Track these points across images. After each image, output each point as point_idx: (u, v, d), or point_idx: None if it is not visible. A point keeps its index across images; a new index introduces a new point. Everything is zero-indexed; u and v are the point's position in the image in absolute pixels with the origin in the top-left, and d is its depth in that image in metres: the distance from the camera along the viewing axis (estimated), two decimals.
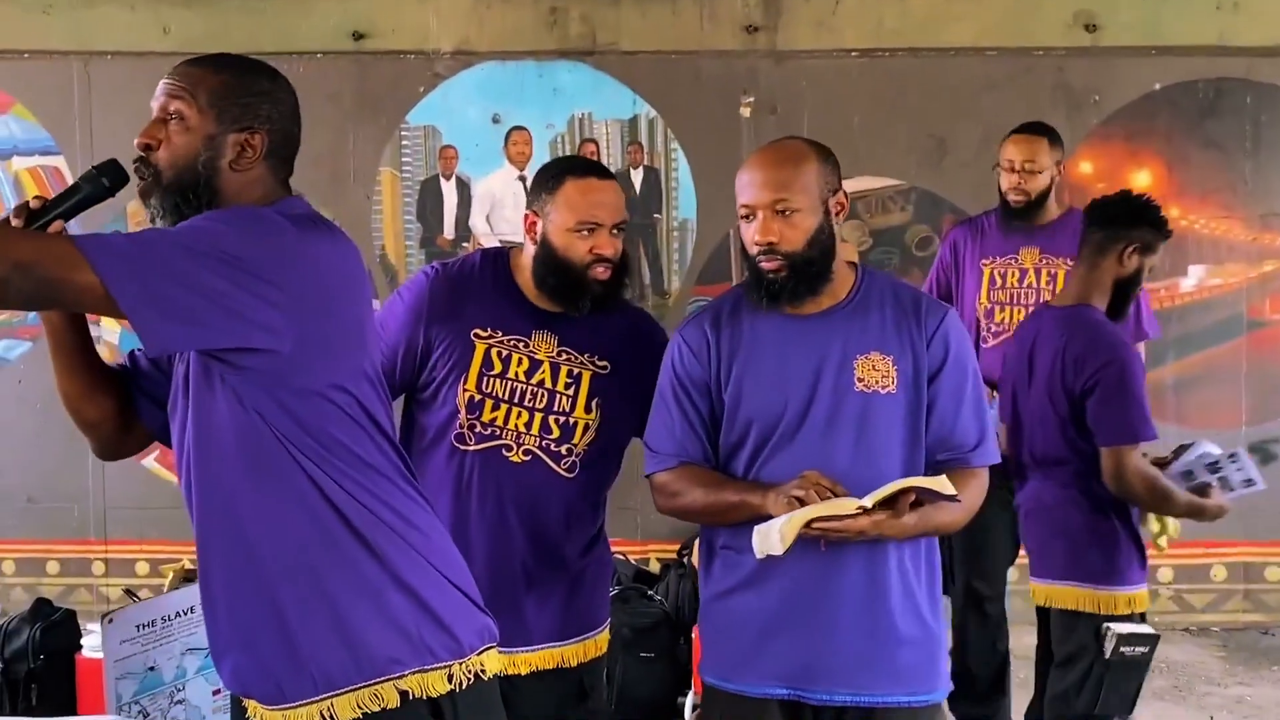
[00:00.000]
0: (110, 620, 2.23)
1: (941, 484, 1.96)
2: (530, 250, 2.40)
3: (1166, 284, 5.19)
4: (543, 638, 2.40)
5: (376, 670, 1.69)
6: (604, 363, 2.42)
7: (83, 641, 3.66)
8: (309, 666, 1.69)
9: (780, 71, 5.23)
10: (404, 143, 5.29)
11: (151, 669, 2.34)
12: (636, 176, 5.29)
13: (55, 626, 3.58)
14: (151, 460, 5.32)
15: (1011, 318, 3.57)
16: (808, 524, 1.94)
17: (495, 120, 5.28)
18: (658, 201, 5.28)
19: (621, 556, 4.46)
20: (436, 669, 1.72)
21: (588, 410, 2.40)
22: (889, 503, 1.96)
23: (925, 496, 1.98)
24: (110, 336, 5.35)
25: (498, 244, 5.29)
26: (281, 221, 1.70)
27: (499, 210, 5.29)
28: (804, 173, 2.12)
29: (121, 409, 1.89)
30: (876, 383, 2.11)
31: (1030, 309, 3.48)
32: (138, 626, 2.29)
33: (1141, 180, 5.20)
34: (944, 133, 5.17)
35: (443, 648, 1.73)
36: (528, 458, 2.37)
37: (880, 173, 5.25)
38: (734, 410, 2.16)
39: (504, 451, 2.36)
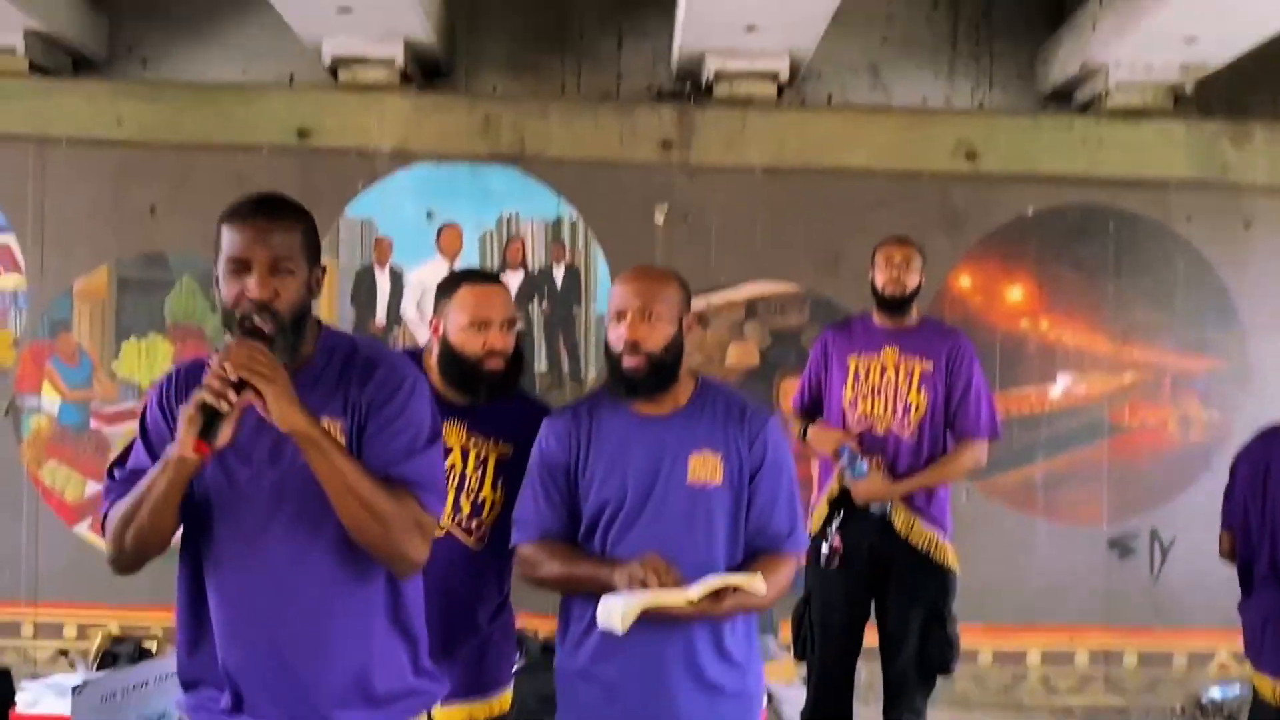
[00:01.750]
0: (79, 693, 2.46)
1: (755, 583, 2.34)
2: (435, 350, 2.75)
3: (1035, 390, 5.68)
4: (453, 694, 2.62)
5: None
6: (507, 446, 2.74)
7: (16, 699, 3.88)
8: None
9: (692, 184, 5.66)
10: (342, 233, 5.62)
11: None
12: (558, 272, 5.67)
13: None
14: (84, 528, 5.55)
15: (872, 409, 3.90)
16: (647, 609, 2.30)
17: (429, 215, 5.63)
18: (578, 296, 5.67)
19: (532, 632, 4.77)
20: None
21: (494, 489, 2.72)
22: (714, 593, 2.33)
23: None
24: (50, 408, 5.61)
25: (427, 330, 5.65)
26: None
27: (429, 298, 5.60)
28: (667, 290, 2.52)
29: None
30: (706, 476, 2.47)
31: (888, 402, 3.88)
32: (102, 698, 2.53)
33: (1014, 296, 5.71)
34: (839, 245, 5.60)
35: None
36: (442, 533, 2.66)
37: (780, 278, 5.68)
38: (588, 494, 2.51)
39: None
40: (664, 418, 2.53)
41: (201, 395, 1.84)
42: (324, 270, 2.08)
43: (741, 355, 5.73)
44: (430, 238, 5.63)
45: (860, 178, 5.67)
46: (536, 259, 5.65)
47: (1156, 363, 5.71)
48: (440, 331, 2.74)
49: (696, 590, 2.31)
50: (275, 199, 2.02)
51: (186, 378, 2.05)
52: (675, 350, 2.50)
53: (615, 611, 2.29)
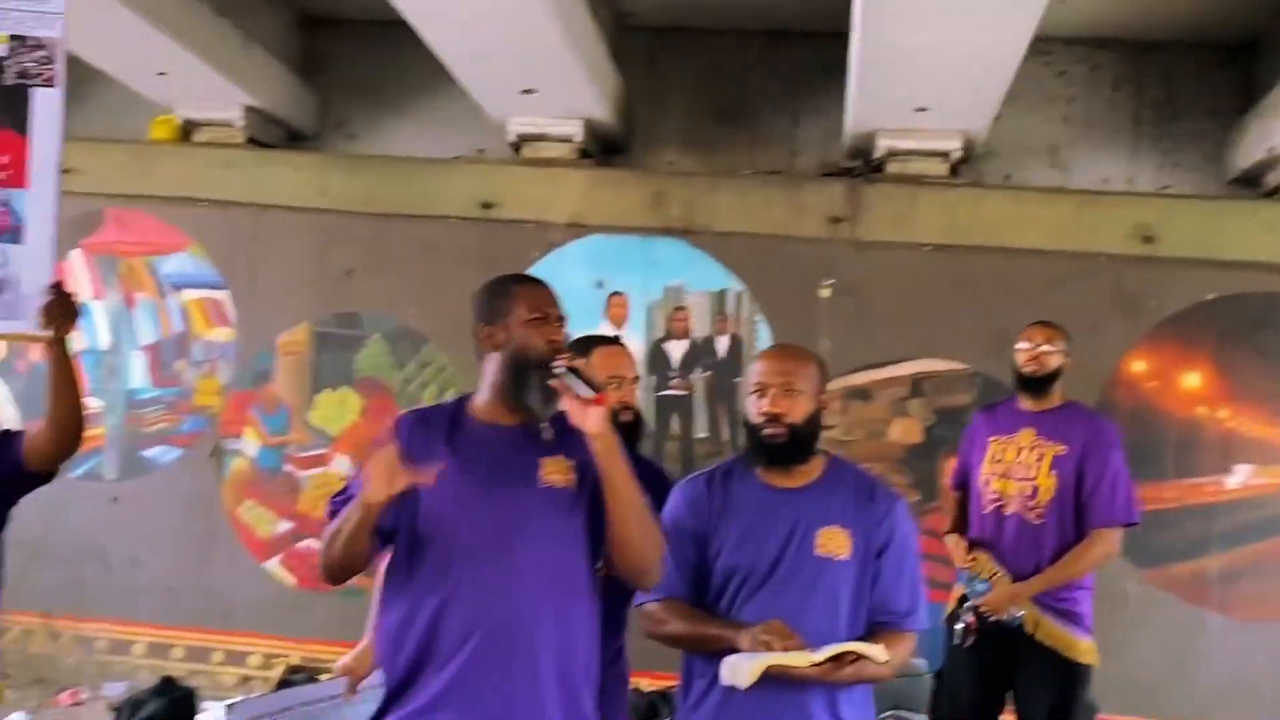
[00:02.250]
0: (232, 710, 2.72)
1: (877, 652, 2.42)
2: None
3: (1211, 480, 5.48)
4: None
5: None
6: None
7: (198, 717, 4.23)
8: None
9: (859, 259, 5.73)
10: None
11: None
12: (722, 342, 5.82)
13: (177, 702, 4.16)
14: (273, 563, 5.96)
15: (1005, 489, 3.93)
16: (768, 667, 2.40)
17: (599, 285, 5.88)
18: (739, 366, 5.79)
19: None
20: None
21: None
22: (835, 657, 2.41)
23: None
24: (250, 451, 6.06)
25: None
26: None
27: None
28: (808, 368, 2.65)
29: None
30: (833, 550, 2.56)
31: (1018, 483, 3.89)
32: (254, 718, 2.77)
33: (1192, 382, 5.54)
34: (1008, 324, 5.43)
35: None
36: None
37: (947, 356, 5.67)
38: (717, 559, 2.62)
39: None
40: (796, 490, 2.63)
41: (569, 364, 2.32)
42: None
43: (905, 432, 5.73)
44: (599, 306, 5.87)
45: (1032, 257, 5.63)
46: (701, 328, 5.82)
47: None
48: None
49: (821, 654, 2.41)
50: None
51: (413, 426, 2.43)
52: (814, 424, 2.62)
53: (742, 669, 2.41)
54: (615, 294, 5.88)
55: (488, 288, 2.52)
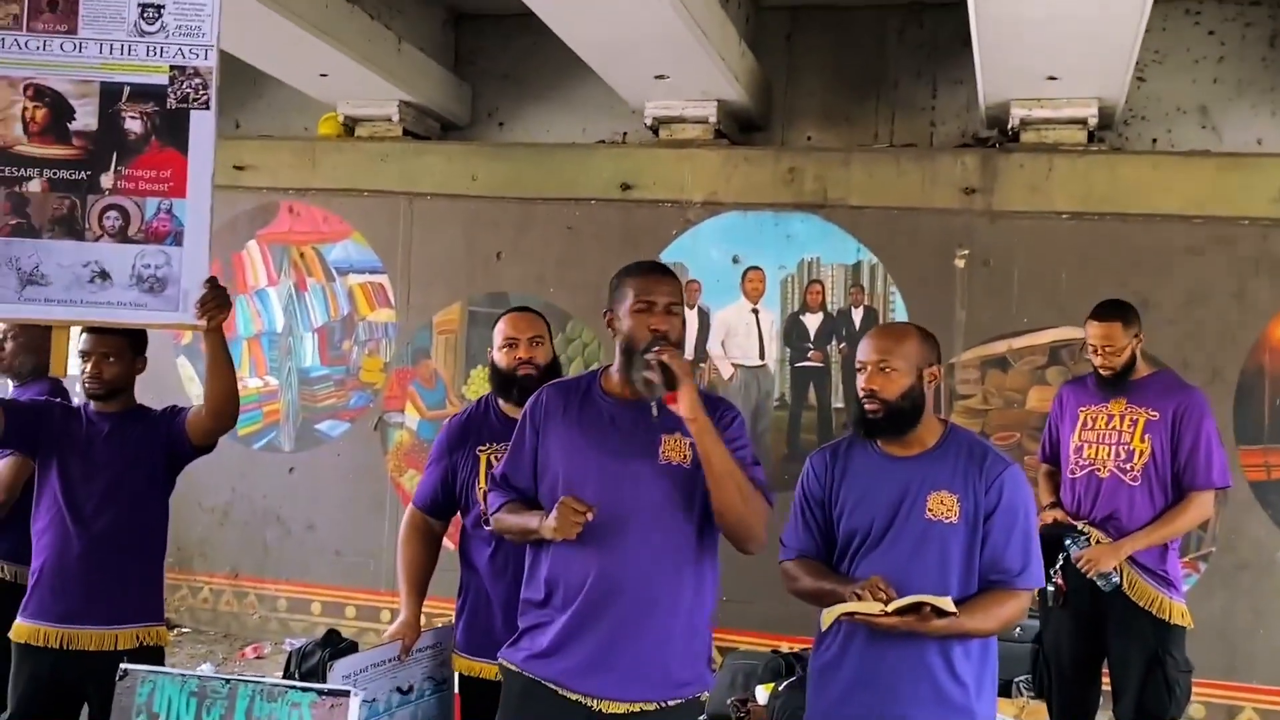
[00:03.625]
0: (331, 666, 3.03)
1: (945, 602, 2.55)
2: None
3: None
4: None
5: None
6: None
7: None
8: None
9: (994, 229, 5.75)
10: None
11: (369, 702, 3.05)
12: (857, 315, 5.91)
13: (341, 653, 4.53)
14: None
15: (1096, 454, 4.00)
16: (850, 615, 2.60)
17: (735, 260, 6.05)
18: None
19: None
20: None
21: None
22: (913, 610, 2.56)
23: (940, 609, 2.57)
24: (411, 424, 6.45)
25: (730, 366, 6.07)
26: None
27: (732, 337, 6.05)
28: (905, 345, 2.78)
29: None
30: (943, 514, 2.71)
31: (1112, 448, 3.95)
32: (345, 676, 3.04)
33: None
34: (1147, 292, 5.47)
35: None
36: None
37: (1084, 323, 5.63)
38: (838, 522, 2.82)
39: None
40: (910, 458, 2.79)
41: (657, 357, 2.54)
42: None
43: (1043, 399, 5.71)
44: (735, 281, 6.04)
45: (1172, 223, 5.55)
46: (835, 301, 5.93)
47: None
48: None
49: (892, 605, 2.57)
50: (660, 265, 2.86)
51: (553, 397, 2.79)
52: (912, 398, 2.75)
53: (824, 615, 2.66)
54: (752, 269, 6.04)
55: (614, 275, 2.79)
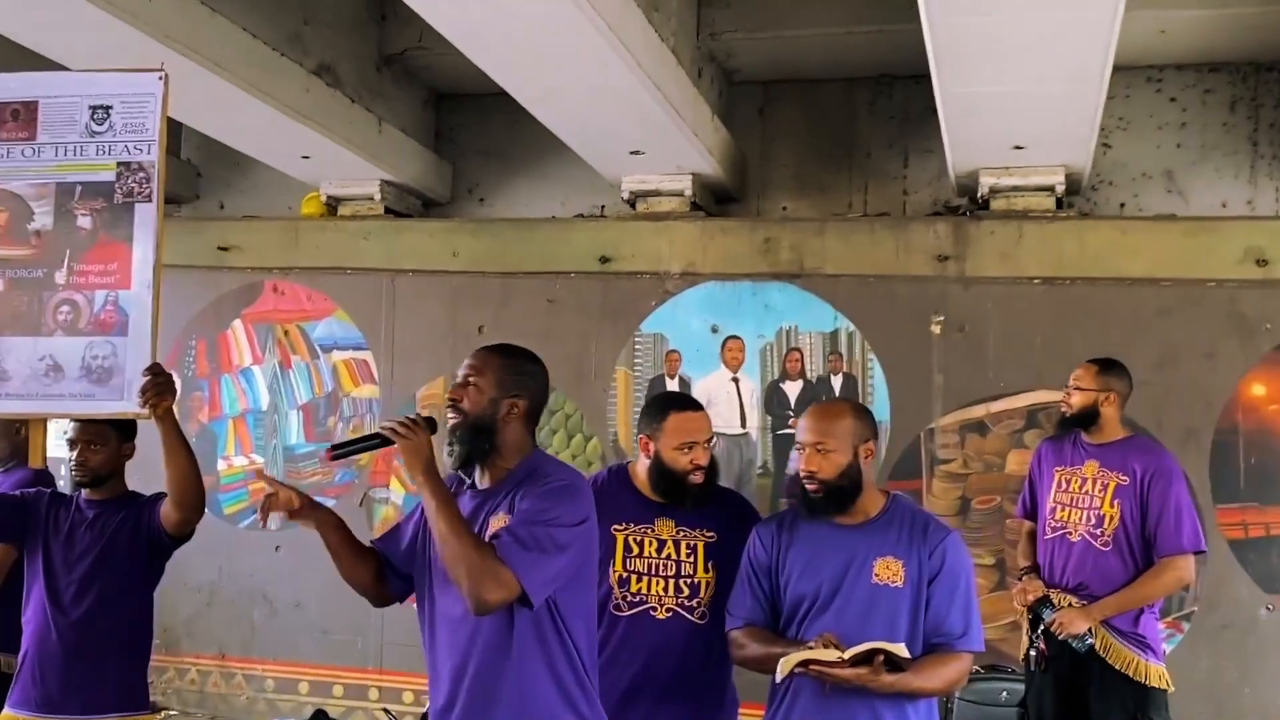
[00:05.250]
0: None
1: (899, 649, 2.64)
2: (646, 463, 3.21)
3: None
4: None
5: None
6: (712, 534, 3.19)
7: None
8: None
9: (968, 295, 5.84)
10: (637, 347, 6.23)
11: None
12: (836, 382, 5.99)
13: None
14: None
15: (1069, 517, 4.10)
16: (805, 665, 2.66)
17: (714, 330, 6.12)
18: None
19: None
20: None
21: (706, 570, 3.18)
22: (866, 659, 2.63)
23: (893, 657, 2.65)
24: (396, 499, 6.48)
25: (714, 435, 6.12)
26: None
27: (713, 406, 6.07)
28: (840, 425, 2.90)
29: (377, 577, 2.82)
30: (889, 578, 2.81)
31: (1083, 512, 4.04)
32: None
33: None
34: (1120, 354, 5.40)
35: None
36: (669, 614, 3.15)
37: (1060, 387, 5.65)
38: (786, 588, 2.92)
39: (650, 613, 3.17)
40: (855, 526, 2.91)
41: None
42: (522, 404, 2.68)
43: (1022, 463, 5.76)
44: (715, 350, 6.12)
45: (1142, 286, 5.65)
46: (815, 368, 6.00)
47: None
48: (651, 450, 3.17)
49: (849, 652, 2.66)
50: (493, 347, 2.75)
51: None
52: (850, 476, 2.87)
53: (782, 665, 2.72)
54: (731, 338, 6.12)
55: None
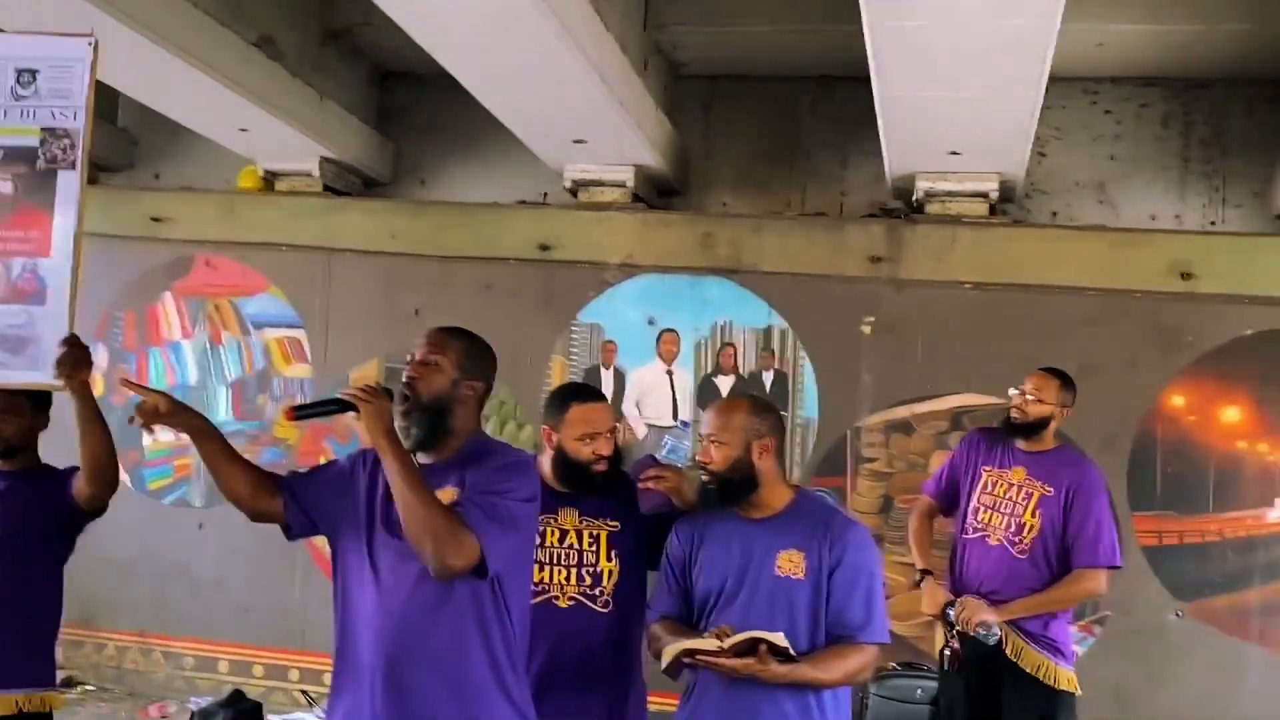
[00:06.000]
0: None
1: (776, 637, 2.68)
2: (548, 453, 3.22)
3: (1252, 513, 5.52)
4: None
5: None
6: (615, 523, 3.19)
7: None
8: None
9: (899, 297, 5.92)
10: (574, 336, 6.24)
11: None
12: (767, 378, 6.04)
13: (244, 714, 4.50)
14: None
15: (990, 521, 4.11)
16: (691, 655, 2.71)
17: (650, 322, 6.15)
18: (784, 402, 5.99)
19: None
20: None
21: (609, 560, 3.17)
22: (750, 649, 2.67)
23: (778, 648, 2.68)
24: None
25: (645, 427, 6.15)
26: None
27: (647, 398, 6.14)
28: (733, 419, 2.94)
29: (256, 491, 2.69)
30: (790, 571, 2.85)
31: (1005, 518, 4.06)
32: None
33: (1232, 416, 5.60)
34: (1045, 359, 5.47)
35: None
36: (573, 603, 3.14)
37: (985, 391, 5.77)
38: (697, 582, 2.96)
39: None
40: (762, 521, 2.95)
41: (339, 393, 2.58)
42: (479, 387, 2.72)
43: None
44: (651, 342, 6.14)
45: (1069, 294, 5.75)
46: (747, 364, 6.05)
47: None
48: (553, 441, 3.19)
49: (728, 641, 2.70)
50: (450, 329, 2.77)
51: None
52: (741, 470, 2.91)
53: (665, 652, 2.78)
54: (666, 331, 6.15)
55: None
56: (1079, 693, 3.99)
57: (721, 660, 2.70)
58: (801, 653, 2.75)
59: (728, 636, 2.72)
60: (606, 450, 3.16)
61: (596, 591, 3.16)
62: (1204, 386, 5.64)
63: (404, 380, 2.66)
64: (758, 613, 2.83)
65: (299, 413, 2.67)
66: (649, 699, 3.35)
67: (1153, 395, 5.65)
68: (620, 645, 3.18)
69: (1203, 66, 6.08)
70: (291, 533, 2.73)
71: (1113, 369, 5.66)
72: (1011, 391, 4.23)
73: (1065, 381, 4.17)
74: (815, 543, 2.86)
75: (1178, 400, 5.66)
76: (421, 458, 2.66)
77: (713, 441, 2.92)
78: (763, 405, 3.04)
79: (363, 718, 2.56)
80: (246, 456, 2.80)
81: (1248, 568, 5.52)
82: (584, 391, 3.42)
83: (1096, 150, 6.35)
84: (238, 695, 4.72)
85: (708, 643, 2.71)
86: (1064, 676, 3.95)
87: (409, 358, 2.71)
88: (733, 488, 2.91)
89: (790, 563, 2.85)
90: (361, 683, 2.58)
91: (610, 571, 3.17)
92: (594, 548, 3.17)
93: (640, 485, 3.05)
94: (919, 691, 5.09)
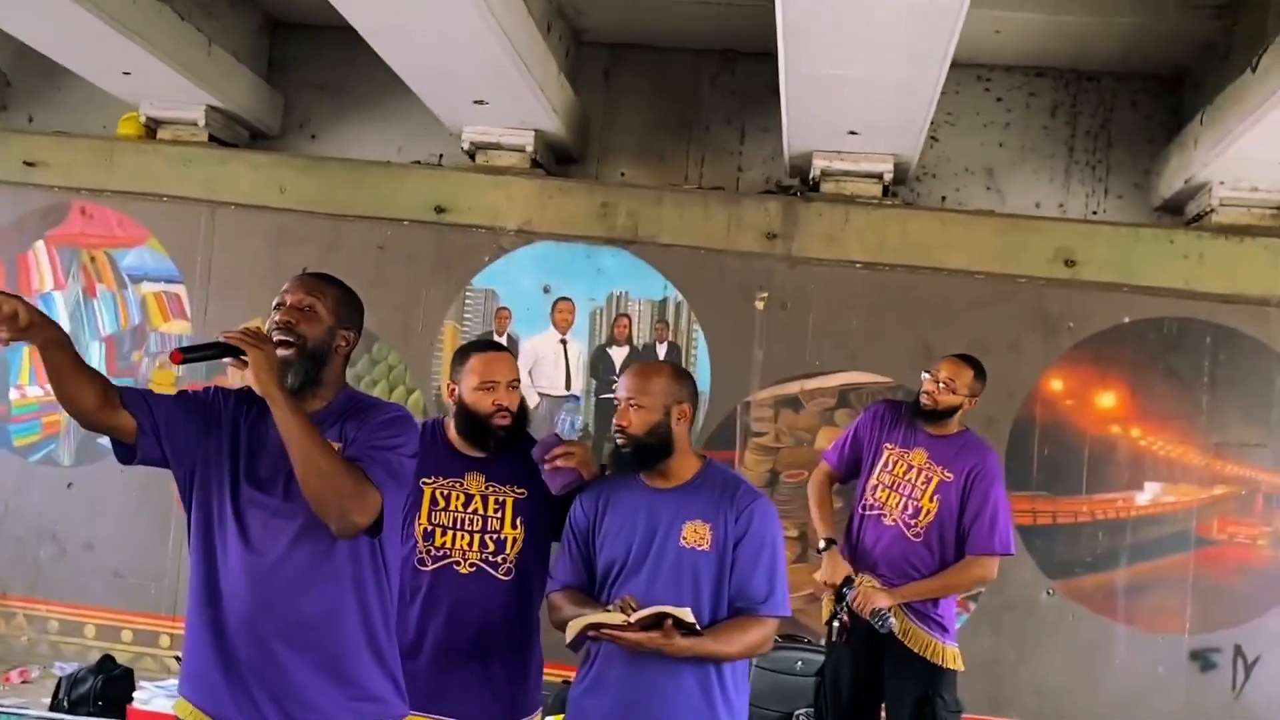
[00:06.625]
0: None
1: (684, 613, 2.67)
2: (452, 411, 3.17)
3: (1122, 496, 5.73)
4: (494, 713, 3.09)
5: None
6: (521, 490, 3.13)
7: (134, 695, 4.43)
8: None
9: (792, 274, 5.96)
10: (467, 301, 6.14)
11: None
12: (661, 349, 6.04)
13: (114, 680, 4.35)
14: None
15: (887, 500, 4.15)
16: (597, 629, 2.68)
17: (546, 290, 6.09)
18: None
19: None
20: None
21: (514, 527, 3.12)
22: (656, 624, 2.65)
23: (686, 621, 2.67)
24: None
25: (537, 396, 6.10)
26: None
27: (540, 367, 6.09)
28: (654, 383, 2.92)
29: (102, 405, 2.45)
30: (695, 542, 2.84)
31: (903, 500, 4.11)
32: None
33: (1106, 401, 5.79)
34: (932, 340, 5.78)
35: None
36: (474, 569, 3.07)
37: (873, 369, 5.90)
38: (600, 551, 2.93)
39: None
40: (668, 491, 2.92)
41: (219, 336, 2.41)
42: (352, 337, 2.61)
43: (831, 440, 5.93)
44: (545, 310, 6.09)
45: (957, 277, 5.87)
46: (642, 335, 6.04)
47: (1249, 478, 5.70)
48: (455, 395, 3.14)
49: (635, 616, 2.67)
50: (323, 275, 2.65)
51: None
52: (659, 434, 2.89)
53: (570, 627, 2.72)
54: (562, 299, 6.10)
55: None
56: (963, 669, 4.08)
57: (626, 634, 2.67)
58: (703, 625, 2.74)
59: (632, 609, 2.70)
60: (508, 402, 3.10)
61: (499, 559, 3.10)
62: (1082, 371, 5.82)
63: (278, 323, 2.50)
64: (662, 584, 2.81)
65: (187, 356, 2.45)
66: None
67: (1034, 378, 5.81)
68: (521, 613, 3.15)
69: (1092, 59, 6.25)
70: (133, 457, 2.51)
71: (997, 351, 5.78)
72: (924, 375, 4.25)
73: (979, 371, 4.20)
74: (721, 514, 2.85)
75: (1056, 384, 5.82)
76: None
77: (631, 404, 2.88)
78: (683, 372, 3.02)
79: (220, 683, 2.45)
80: None
81: (1116, 548, 5.73)
82: (486, 343, 3.39)
83: (986, 137, 6.48)
84: (108, 660, 4.56)
85: (614, 617, 2.68)
86: (950, 654, 4.03)
87: (278, 303, 2.55)
88: (648, 452, 2.88)
89: (696, 534, 2.84)
90: (226, 647, 2.45)
91: (514, 539, 3.12)
92: (499, 514, 3.12)
93: (547, 466, 2.96)
94: (799, 664, 5.17)
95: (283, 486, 2.46)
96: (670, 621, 2.66)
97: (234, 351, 2.40)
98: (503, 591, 3.10)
